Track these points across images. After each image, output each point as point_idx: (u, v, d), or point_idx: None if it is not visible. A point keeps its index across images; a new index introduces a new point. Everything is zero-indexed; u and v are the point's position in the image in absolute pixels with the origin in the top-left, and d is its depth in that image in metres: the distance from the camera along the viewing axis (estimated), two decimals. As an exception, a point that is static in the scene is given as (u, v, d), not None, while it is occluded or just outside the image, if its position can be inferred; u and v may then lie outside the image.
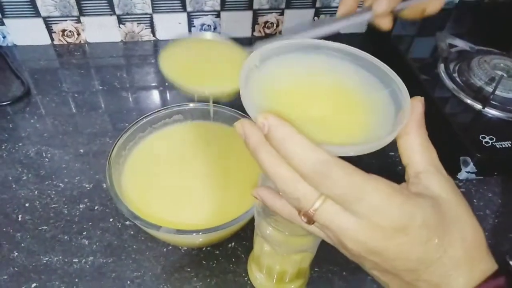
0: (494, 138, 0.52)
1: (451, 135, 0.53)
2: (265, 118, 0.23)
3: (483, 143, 0.51)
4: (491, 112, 0.55)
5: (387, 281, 0.25)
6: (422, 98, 0.25)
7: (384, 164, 0.56)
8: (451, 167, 0.53)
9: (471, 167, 0.51)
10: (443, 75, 0.61)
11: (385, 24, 0.36)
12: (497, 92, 0.55)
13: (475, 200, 0.53)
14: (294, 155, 0.22)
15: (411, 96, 0.26)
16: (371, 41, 0.77)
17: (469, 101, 0.57)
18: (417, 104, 0.25)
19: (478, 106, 0.56)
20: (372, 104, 0.28)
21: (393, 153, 0.58)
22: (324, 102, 0.28)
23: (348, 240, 0.23)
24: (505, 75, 0.57)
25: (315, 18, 0.77)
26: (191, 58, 0.36)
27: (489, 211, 0.52)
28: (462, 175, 0.52)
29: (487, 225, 0.50)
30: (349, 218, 0.22)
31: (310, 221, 0.24)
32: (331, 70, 0.30)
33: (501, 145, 0.51)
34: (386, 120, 0.26)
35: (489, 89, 0.56)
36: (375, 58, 0.29)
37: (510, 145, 0.51)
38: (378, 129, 0.26)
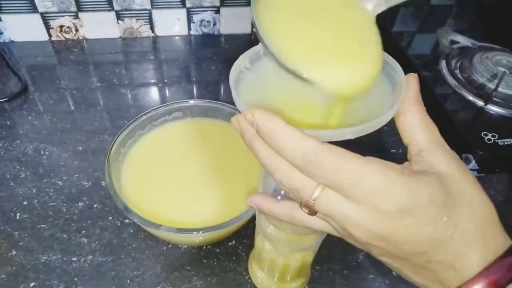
0: (497, 135, 0.51)
1: (453, 132, 0.53)
2: (251, 114, 0.22)
3: (485, 140, 0.51)
4: (493, 109, 0.55)
5: (398, 266, 0.24)
6: (416, 74, 0.25)
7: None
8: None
9: (473, 164, 0.51)
10: (445, 71, 0.60)
11: None
12: (499, 89, 0.55)
13: (477, 198, 0.52)
14: (284, 148, 0.22)
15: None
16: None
17: (471, 98, 0.56)
18: (412, 81, 0.24)
19: (480, 103, 0.56)
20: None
21: (394, 150, 0.57)
22: (319, 96, 0.27)
23: (352, 227, 0.22)
24: (507, 71, 0.57)
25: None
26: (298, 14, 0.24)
27: (491, 208, 0.51)
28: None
29: (489, 222, 0.50)
30: (350, 205, 0.21)
31: (312, 211, 0.23)
32: None
33: (504, 142, 0.51)
34: (384, 101, 0.26)
35: (491, 85, 0.56)
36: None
37: (512, 143, 0.51)
38: (376, 110, 0.25)
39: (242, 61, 0.28)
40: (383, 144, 0.58)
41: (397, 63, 0.27)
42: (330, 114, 0.25)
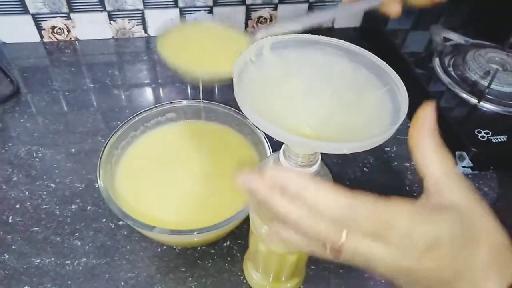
0: (490, 133, 0.51)
1: (446, 129, 0.53)
2: (275, 172, 0.23)
3: (479, 137, 0.51)
4: (487, 106, 0.55)
5: None
6: (433, 103, 0.25)
7: (380, 159, 0.56)
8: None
9: (467, 161, 0.51)
10: (438, 69, 0.61)
11: (395, 11, 0.35)
12: (492, 86, 0.55)
13: (471, 195, 0.52)
14: (317, 204, 0.22)
15: (408, 93, 0.26)
16: (366, 35, 0.76)
17: (464, 95, 0.57)
18: (428, 110, 0.25)
19: (474, 100, 0.56)
20: (368, 103, 0.27)
21: (388, 148, 0.57)
22: (319, 101, 0.28)
23: (378, 265, 0.23)
24: (500, 68, 0.57)
25: (309, 12, 0.76)
26: (189, 41, 0.35)
27: (485, 205, 0.51)
28: (458, 170, 0.52)
29: (483, 219, 0.50)
30: (378, 246, 0.22)
31: (338, 256, 0.23)
32: (328, 68, 0.29)
33: (497, 139, 0.51)
34: (383, 119, 0.26)
35: (485, 83, 0.56)
36: (374, 55, 0.29)
37: (505, 140, 0.51)
38: (374, 127, 0.25)
39: (248, 54, 0.28)
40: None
41: (401, 81, 0.27)
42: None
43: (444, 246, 0.22)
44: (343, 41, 0.29)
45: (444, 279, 0.23)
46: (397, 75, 0.27)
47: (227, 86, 0.66)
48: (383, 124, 0.26)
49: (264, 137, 0.46)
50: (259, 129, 0.47)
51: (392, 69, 0.28)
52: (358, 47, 0.29)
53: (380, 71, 0.28)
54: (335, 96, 0.27)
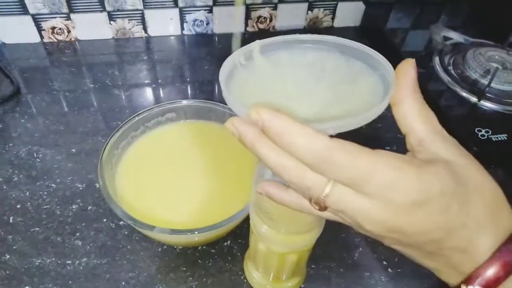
0: (490, 131, 0.51)
1: (446, 128, 0.53)
2: (257, 112, 0.22)
3: (479, 136, 0.51)
4: (487, 104, 0.55)
5: (410, 252, 0.24)
6: (413, 60, 0.24)
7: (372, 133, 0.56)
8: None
9: (467, 160, 0.51)
10: (438, 68, 0.61)
11: None
12: (492, 85, 0.55)
13: (471, 194, 0.52)
14: (296, 146, 0.21)
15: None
16: (365, 34, 0.76)
17: (464, 94, 0.57)
18: (409, 68, 0.24)
19: (474, 99, 0.56)
20: (362, 91, 0.27)
21: (388, 148, 0.57)
22: (314, 97, 0.27)
23: (364, 221, 0.22)
24: (500, 67, 0.57)
25: (309, 12, 0.76)
26: None
27: (486, 204, 0.51)
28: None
29: (484, 218, 0.50)
30: (362, 199, 0.21)
31: (322, 208, 0.23)
32: (320, 64, 0.29)
33: (497, 138, 0.51)
34: (375, 102, 0.26)
35: (485, 81, 0.56)
36: (362, 45, 0.29)
37: (506, 138, 0.51)
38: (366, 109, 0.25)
39: (237, 57, 0.28)
40: (378, 142, 0.58)
41: (389, 63, 0.26)
42: None
43: (434, 201, 0.21)
44: (331, 36, 0.29)
45: (437, 236, 0.22)
46: (386, 60, 0.26)
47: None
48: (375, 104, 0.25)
49: (264, 137, 0.46)
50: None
51: (381, 54, 0.27)
52: (346, 39, 0.29)
53: (371, 59, 0.28)
54: (330, 90, 0.27)
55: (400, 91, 0.24)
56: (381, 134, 0.58)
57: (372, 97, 0.26)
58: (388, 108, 0.25)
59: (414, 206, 0.21)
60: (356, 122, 0.23)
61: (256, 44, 0.29)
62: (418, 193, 0.21)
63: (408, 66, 0.24)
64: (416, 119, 0.23)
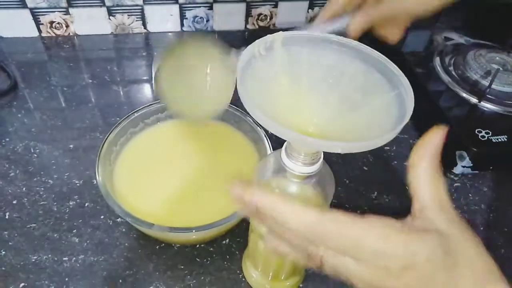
0: (490, 133, 0.51)
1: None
2: (251, 195, 0.24)
3: (479, 137, 0.51)
4: (487, 106, 0.55)
5: None
6: (445, 128, 0.24)
7: (380, 158, 0.56)
8: (447, 162, 0.53)
9: (467, 161, 0.51)
10: (439, 68, 0.60)
11: (394, 35, 0.35)
12: (493, 86, 0.55)
13: (470, 195, 0.52)
14: (288, 223, 0.23)
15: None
16: (366, 33, 0.76)
17: (465, 95, 0.56)
18: (436, 136, 0.24)
19: (474, 100, 0.56)
20: (375, 106, 0.27)
21: (388, 148, 0.57)
22: (326, 100, 0.27)
23: (354, 279, 0.23)
24: (501, 68, 0.57)
25: (309, 10, 0.76)
26: (183, 78, 0.34)
27: (484, 205, 0.51)
28: (458, 169, 0.52)
29: (482, 219, 0.50)
30: (353, 263, 0.23)
31: (320, 268, 0.25)
32: (339, 68, 0.29)
33: (497, 139, 0.51)
34: (386, 123, 0.26)
35: (485, 82, 0.56)
36: (387, 59, 0.28)
37: (506, 140, 0.51)
38: (376, 130, 0.25)
39: (257, 46, 0.27)
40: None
41: (410, 87, 0.26)
42: None
43: (421, 268, 0.22)
44: (357, 42, 0.29)
45: None
46: (408, 82, 0.27)
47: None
48: (385, 128, 0.25)
49: (264, 135, 0.46)
50: (259, 126, 0.47)
51: (404, 75, 0.27)
52: (372, 49, 0.29)
53: (392, 76, 0.28)
54: (343, 97, 0.27)
55: (419, 155, 0.24)
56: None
57: (385, 116, 0.26)
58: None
59: (401, 271, 0.22)
60: (365, 146, 0.23)
61: (279, 36, 0.29)
62: (403, 260, 0.22)
63: (437, 134, 0.24)
64: (424, 187, 0.24)
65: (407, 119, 0.25)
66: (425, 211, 0.24)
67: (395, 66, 0.28)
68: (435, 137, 0.24)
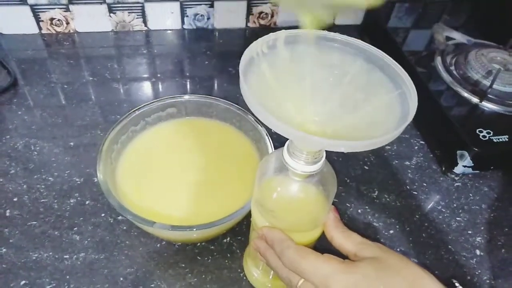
0: (491, 132, 0.51)
1: (448, 129, 0.53)
2: (261, 230, 0.34)
3: (480, 137, 0.51)
4: (488, 105, 0.55)
5: None
6: (334, 208, 0.34)
7: (381, 157, 0.56)
8: (447, 161, 0.53)
9: (468, 161, 0.51)
10: (440, 68, 0.60)
11: None
12: (494, 86, 0.55)
13: (471, 194, 0.52)
14: (282, 255, 0.32)
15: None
16: (367, 33, 0.76)
17: (466, 94, 0.56)
18: (331, 214, 0.34)
19: (475, 100, 0.56)
20: (377, 105, 0.27)
21: (389, 147, 0.57)
22: (328, 99, 0.27)
23: None
24: (502, 68, 0.57)
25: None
26: None
27: (485, 205, 0.51)
28: (459, 169, 0.52)
29: (483, 219, 0.50)
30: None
31: None
32: (343, 67, 0.29)
33: (498, 139, 0.51)
34: (389, 122, 0.26)
35: (486, 82, 0.56)
36: (391, 58, 0.28)
37: (507, 140, 0.51)
38: (378, 129, 0.25)
39: (260, 45, 0.27)
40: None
41: (414, 87, 0.27)
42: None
43: (361, 283, 0.29)
44: (361, 41, 0.29)
45: None
46: (411, 81, 0.27)
47: (227, 82, 0.66)
48: (388, 128, 0.26)
49: (266, 134, 0.46)
50: (260, 125, 0.47)
51: (407, 74, 0.27)
52: (376, 48, 0.29)
53: (395, 75, 0.28)
54: (346, 96, 0.27)
55: (329, 229, 0.34)
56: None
57: (388, 115, 0.26)
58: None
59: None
60: (369, 145, 0.24)
61: (282, 34, 0.29)
62: (345, 281, 0.29)
63: (333, 215, 0.34)
64: (345, 243, 0.33)
65: (410, 118, 0.25)
66: (356, 254, 0.31)
67: (399, 65, 0.28)
68: (333, 218, 0.34)
